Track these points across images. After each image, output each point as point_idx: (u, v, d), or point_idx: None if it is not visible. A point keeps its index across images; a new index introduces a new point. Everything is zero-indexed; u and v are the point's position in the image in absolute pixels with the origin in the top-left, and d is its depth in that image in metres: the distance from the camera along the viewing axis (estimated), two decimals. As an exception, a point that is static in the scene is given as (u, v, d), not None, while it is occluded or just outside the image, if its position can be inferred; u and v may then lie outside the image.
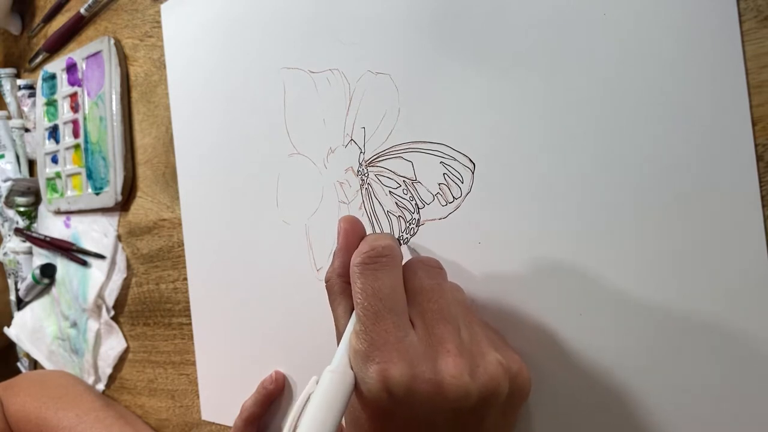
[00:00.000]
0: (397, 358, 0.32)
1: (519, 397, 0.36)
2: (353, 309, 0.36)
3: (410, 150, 0.43)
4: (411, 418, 0.33)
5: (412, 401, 0.32)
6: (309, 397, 0.32)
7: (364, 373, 0.33)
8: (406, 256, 0.45)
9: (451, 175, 0.41)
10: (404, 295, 0.35)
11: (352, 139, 0.47)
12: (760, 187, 0.31)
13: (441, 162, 0.42)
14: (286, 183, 0.53)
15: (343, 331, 0.36)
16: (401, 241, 0.45)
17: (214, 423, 0.63)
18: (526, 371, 0.36)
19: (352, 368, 0.34)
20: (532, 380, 0.37)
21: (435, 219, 0.42)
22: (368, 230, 0.46)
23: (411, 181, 0.43)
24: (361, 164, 0.47)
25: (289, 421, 0.33)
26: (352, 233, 0.39)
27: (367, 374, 0.32)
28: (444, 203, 0.42)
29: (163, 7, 0.65)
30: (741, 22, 0.31)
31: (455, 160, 0.41)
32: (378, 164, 0.46)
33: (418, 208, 0.43)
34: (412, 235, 0.44)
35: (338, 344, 0.36)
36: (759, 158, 0.31)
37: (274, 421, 0.56)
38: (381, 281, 0.34)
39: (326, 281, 0.39)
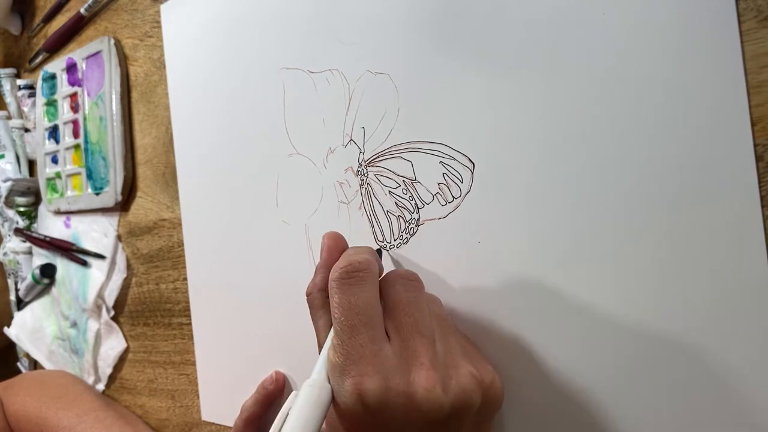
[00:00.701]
0: (372, 371, 0.33)
1: (491, 408, 0.37)
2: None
3: (410, 150, 0.43)
4: (385, 429, 0.34)
5: (386, 413, 0.33)
6: (288, 412, 0.33)
7: (340, 386, 0.34)
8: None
9: (450, 175, 0.41)
10: (380, 309, 0.36)
11: (351, 139, 0.47)
12: (760, 187, 0.30)
13: (440, 162, 0.42)
14: (286, 183, 0.53)
15: (323, 345, 0.37)
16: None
17: (214, 423, 0.63)
18: (498, 382, 0.37)
19: (329, 381, 0.35)
20: (512, 390, 0.39)
21: (435, 218, 0.42)
22: (368, 230, 0.46)
23: (410, 181, 0.43)
24: (360, 164, 0.47)
25: None
26: (335, 249, 0.40)
27: (343, 387, 0.33)
28: (443, 203, 0.42)
29: (163, 7, 0.65)
30: (741, 22, 0.31)
31: (455, 159, 0.41)
32: (377, 164, 0.45)
33: (418, 207, 0.43)
34: (411, 235, 0.44)
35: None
36: (759, 158, 0.31)
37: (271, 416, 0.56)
38: (357, 296, 0.35)
39: (307, 295, 0.40)
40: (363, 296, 0.35)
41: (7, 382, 0.81)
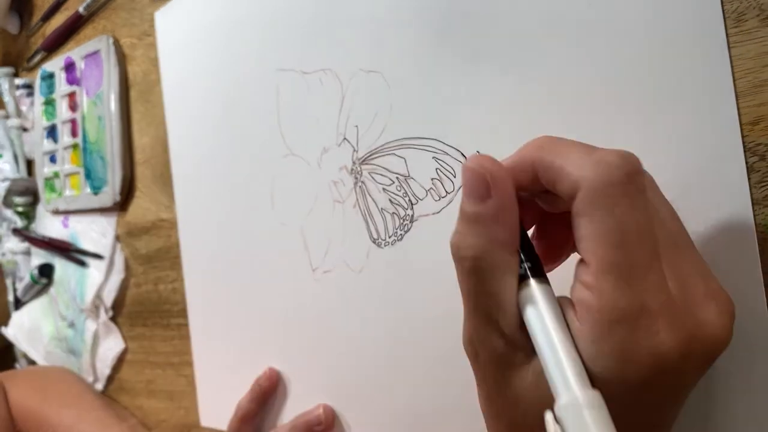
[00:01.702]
0: (680, 326, 0.23)
1: None
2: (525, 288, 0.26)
3: (403, 146, 0.43)
4: (678, 390, 0.26)
5: (687, 367, 0.24)
6: None
7: (628, 352, 0.23)
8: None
9: (443, 170, 0.41)
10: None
11: (345, 138, 0.47)
12: (760, 188, 0.30)
13: (433, 157, 0.41)
14: (281, 184, 0.53)
15: (515, 325, 0.26)
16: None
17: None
18: None
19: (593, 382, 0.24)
20: None
21: (429, 214, 0.42)
22: (363, 228, 0.46)
23: (404, 178, 0.43)
24: (354, 162, 0.46)
25: None
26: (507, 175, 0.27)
27: (636, 353, 0.23)
28: (437, 198, 0.42)
29: (157, 13, 0.65)
30: (742, 21, 0.30)
31: (447, 154, 0.41)
32: (371, 162, 0.45)
33: (412, 204, 0.43)
34: (406, 231, 0.43)
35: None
36: (761, 158, 0.30)
37: (269, 419, 0.55)
38: (643, 213, 0.24)
39: (476, 258, 0.26)
40: (646, 213, 0.25)
41: (10, 372, 0.81)
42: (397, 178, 0.44)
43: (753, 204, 0.30)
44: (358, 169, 0.46)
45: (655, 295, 0.23)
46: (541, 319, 0.25)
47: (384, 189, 0.45)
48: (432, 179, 0.42)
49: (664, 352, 0.23)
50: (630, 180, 0.24)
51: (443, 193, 0.41)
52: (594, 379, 0.23)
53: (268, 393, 0.55)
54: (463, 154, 0.40)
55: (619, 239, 0.24)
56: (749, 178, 0.30)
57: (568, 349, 0.24)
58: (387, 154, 0.44)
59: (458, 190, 0.41)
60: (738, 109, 0.30)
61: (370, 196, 0.45)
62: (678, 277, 0.25)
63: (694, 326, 0.24)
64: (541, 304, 0.25)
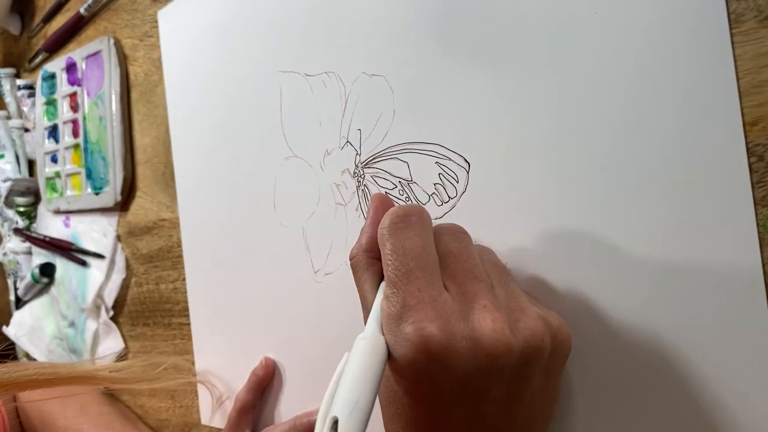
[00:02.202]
0: (433, 315, 0.30)
1: (561, 354, 0.34)
2: (380, 281, 0.35)
3: (406, 151, 0.43)
4: (452, 381, 0.31)
5: (451, 360, 0.30)
6: (343, 371, 0.30)
7: (398, 335, 0.30)
8: None
9: (446, 175, 0.41)
10: (436, 255, 0.33)
11: (348, 141, 0.47)
12: (759, 187, 0.30)
13: (436, 162, 0.42)
14: (283, 186, 0.53)
15: (371, 307, 0.34)
16: None
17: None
18: (565, 326, 0.34)
19: (383, 334, 0.32)
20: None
21: (431, 219, 0.42)
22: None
23: (407, 182, 0.43)
24: (357, 166, 0.47)
25: (326, 398, 0.30)
26: (382, 209, 0.37)
27: (402, 336, 0.30)
28: (440, 203, 0.42)
29: (160, 13, 0.65)
30: (741, 22, 0.31)
31: (450, 159, 0.41)
32: (374, 165, 0.45)
33: (414, 208, 0.43)
34: None
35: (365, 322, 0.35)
36: (760, 158, 0.30)
37: (267, 409, 0.56)
38: (411, 240, 0.32)
39: (351, 258, 0.37)
40: (417, 240, 0.32)
41: (16, 363, 0.81)
42: (399, 182, 0.44)
43: (753, 204, 0.31)
44: (361, 172, 0.46)
45: (413, 295, 0.31)
46: (375, 299, 0.34)
47: (386, 193, 0.45)
48: (435, 184, 0.42)
49: (428, 334, 0.29)
50: (401, 219, 0.33)
51: (446, 198, 0.41)
52: (393, 362, 0.31)
53: (265, 382, 0.55)
54: (466, 160, 0.40)
55: (390, 260, 0.32)
56: (750, 178, 0.31)
57: (376, 314, 0.33)
58: (390, 158, 0.44)
59: (461, 196, 0.41)
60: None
61: (372, 199, 0.46)
62: (457, 287, 0.32)
63: (465, 328, 0.30)
64: (379, 292, 0.34)
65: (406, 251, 0.32)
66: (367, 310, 0.35)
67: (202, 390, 0.63)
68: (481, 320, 0.30)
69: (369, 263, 0.36)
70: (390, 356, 0.31)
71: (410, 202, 0.43)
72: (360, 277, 0.36)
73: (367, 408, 0.28)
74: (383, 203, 0.37)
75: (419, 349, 0.29)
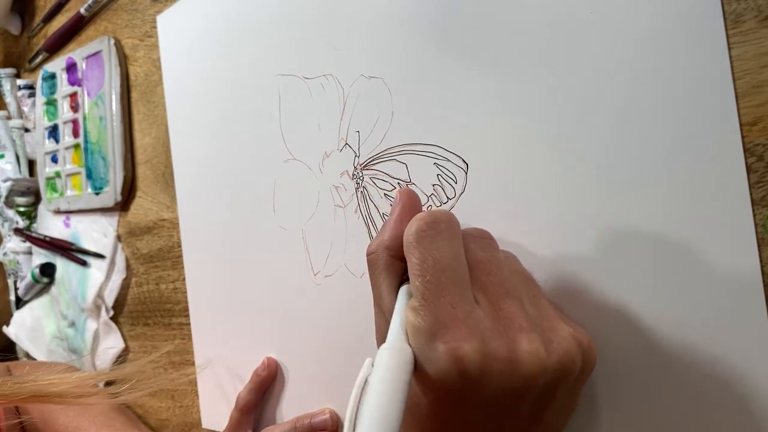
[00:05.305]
0: (468, 334, 0.29)
1: (587, 372, 0.34)
2: (399, 285, 0.34)
3: (404, 152, 0.43)
4: (481, 400, 0.30)
5: (486, 382, 0.29)
6: (366, 381, 0.29)
7: (430, 352, 0.29)
8: None
9: (444, 176, 0.41)
10: (466, 266, 0.32)
11: (346, 143, 0.47)
12: (759, 187, 0.30)
13: (435, 163, 0.42)
14: (282, 188, 0.53)
15: (389, 311, 0.33)
16: None
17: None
18: (594, 344, 0.33)
19: (410, 345, 0.30)
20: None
21: (430, 221, 0.42)
22: (365, 234, 0.46)
23: (405, 183, 0.43)
24: (356, 168, 0.47)
25: (350, 409, 0.28)
26: (410, 206, 0.35)
27: (435, 353, 0.29)
28: (439, 204, 0.42)
29: (159, 17, 0.65)
30: (741, 22, 0.30)
31: (448, 161, 0.41)
32: (373, 167, 0.45)
33: (413, 210, 0.43)
34: None
35: (377, 324, 0.34)
36: (759, 158, 0.30)
37: (269, 409, 0.56)
38: (441, 251, 0.31)
39: (370, 253, 0.35)
40: (448, 251, 0.31)
41: (16, 362, 0.81)
42: (398, 183, 0.44)
43: (752, 204, 0.31)
44: (360, 174, 0.46)
45: (446, 311, 0.30)
46: (398, 306, 0.32)
47: (385, 194, 0.45)
48: (433, 185, 0.42)
49: (462, 354, 0.28)
50: (429, 227, 0.32)
51: (444, 199, 0.41)
52: (420, 374, 0.30)
53: (267, 382, 0.55)
54: (464, 161, 0.40)
55: (418, 270, 0.31)
56: (748, 179, 0.31)
57: (401, 322, 0.31)
58: (388, 160, 0.44)
59: (459, 196, 0.41)
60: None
61: (371, 201, 0.46)
62: (489, 303, 0.31)
63: (499, 348, 0.29)
64: (400, 297, 0.33)
65: (436, 262, 0.31)
66: (382, 311, 0.34)
67: (202, 390, 0.63)
68: (516, 341, 0.30)
69: (389, 262, 0.34)
70: (417, 367, 0.30)
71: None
72: (378, 275, 0.35)
73: (396, 428, 0.27)
74: (411, 200, 0.36)
75: (453, 368, 0.29)
